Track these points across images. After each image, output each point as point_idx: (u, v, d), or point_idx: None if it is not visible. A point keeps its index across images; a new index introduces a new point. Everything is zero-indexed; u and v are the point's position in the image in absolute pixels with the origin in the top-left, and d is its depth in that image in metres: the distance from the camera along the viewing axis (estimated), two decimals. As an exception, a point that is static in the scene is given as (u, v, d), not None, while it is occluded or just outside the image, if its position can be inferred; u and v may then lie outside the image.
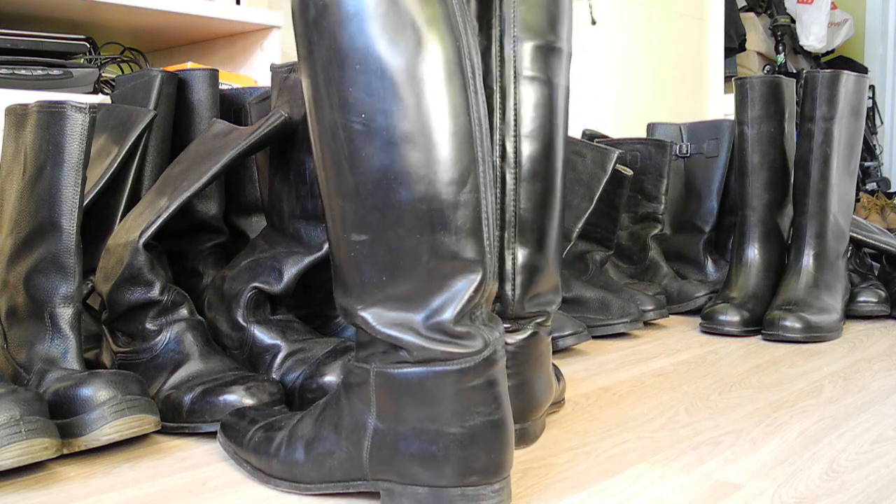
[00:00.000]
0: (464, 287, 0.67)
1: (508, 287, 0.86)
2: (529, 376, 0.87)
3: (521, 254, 0.86)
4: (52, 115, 0.93)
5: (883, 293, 1.64)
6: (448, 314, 0.67)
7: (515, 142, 0.85)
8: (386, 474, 0.69)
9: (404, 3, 0.65)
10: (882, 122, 3.99)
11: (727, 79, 2.95)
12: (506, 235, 0.86)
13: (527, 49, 0.85)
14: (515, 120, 0.85)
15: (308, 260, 1.02)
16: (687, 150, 1.95)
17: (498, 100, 0.85)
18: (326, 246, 0.99)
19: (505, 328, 0.85)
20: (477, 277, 0.68)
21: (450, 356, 0.67)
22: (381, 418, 0.69)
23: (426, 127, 0.65)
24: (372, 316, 0.68)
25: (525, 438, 0.88)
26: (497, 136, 0.85)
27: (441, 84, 0.65)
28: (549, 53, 0.86)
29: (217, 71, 1.29)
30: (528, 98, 0.85)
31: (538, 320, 0.88)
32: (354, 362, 0.71)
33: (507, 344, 0.85)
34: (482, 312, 0.69)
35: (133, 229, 0.99)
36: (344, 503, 0.73)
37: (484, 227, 0.68)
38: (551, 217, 0.87)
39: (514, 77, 0.85)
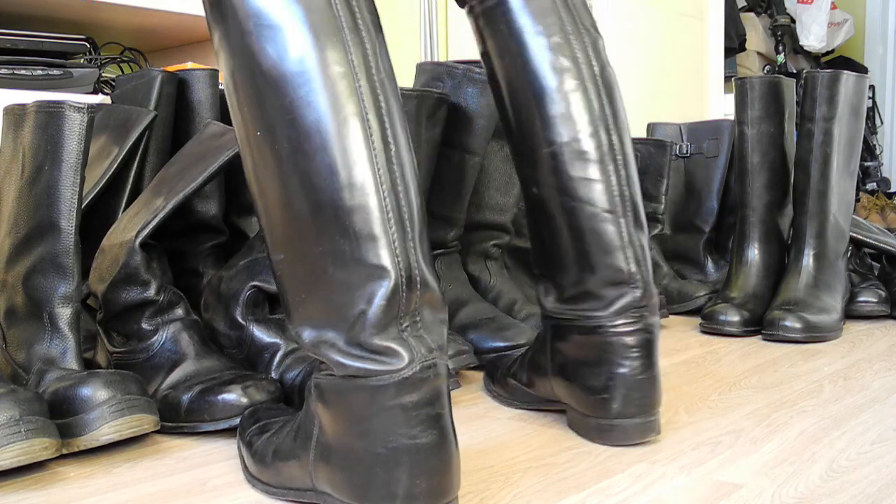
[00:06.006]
0: (374, 294, 0.64)
1: (643, 274, 0.87)
2: (657, 367, 0.88)
3: (642, 241, 0.88)
4: (51, 115, 0.93)
5: (883, 293, 1.63)
6: (365, 326, 0.64)
7: (618, 132, 0.87)
8: (325, 486, 0.68)
9: (278, 13, 0.65)
10: (882, 122, 3.99)
11: (727, 79, 2.95)
12: (629, 223, 0.87)
13: (598, 43, 0.89)
14: (613, 110, 0.88)
15: (308, 260, 1.02)
16: (687, 150, 1.95)
17: (600, 93, 0.87)
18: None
19: (643, 315, 0.87)
20: (387, 283, 0.64)
21: (367, 373, 0.64)
22: (322, 430, 0.68)
23: (311, 133, 0.64)
24: (302, 333, 0.68)
25: (656, 428, 0.88)
26: (603, 130, 0.86)
27: (321, 87, 0.64)
28: (600, 44, 0.90)
29: (217, 71, 1.29)
30: (609, 88, 0.88)
31: (659, 307, 0.91)
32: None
33: (646, 332, 0.87)
34: (416, 324, 0.66)
35: (129, 229, 0.99)
36: None
37: (391, 229, 0.64)
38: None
39: (602, 69, 0.88)
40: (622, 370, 0.86)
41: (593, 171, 0.86)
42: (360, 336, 0.64)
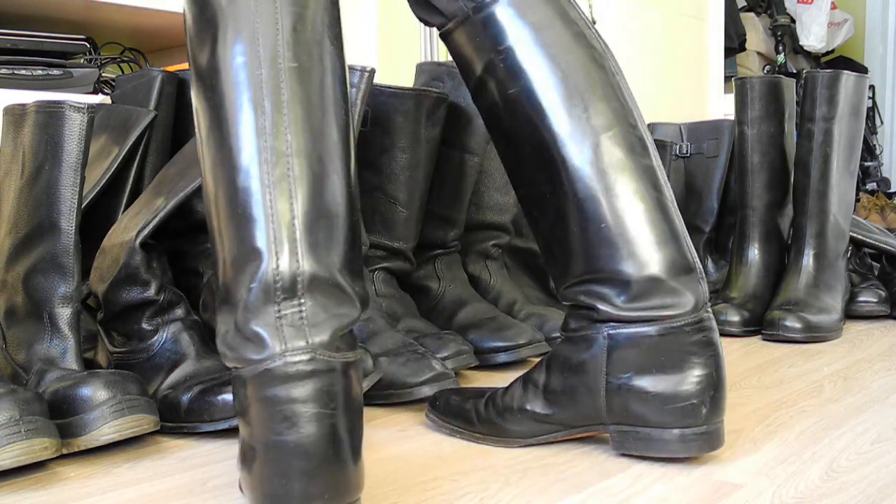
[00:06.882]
0: (254, 277, 0.64)
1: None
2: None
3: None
4: (51, 115, 0.93)
5: (883, 293, 1.63)
6: (244, 310, 0.64)
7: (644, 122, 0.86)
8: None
9: (208, 11, 0.67)
10: (882, 122, 3.99)
11: (727, 79, 2.95)
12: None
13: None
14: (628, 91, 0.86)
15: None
16: (687, 150, 1.95)
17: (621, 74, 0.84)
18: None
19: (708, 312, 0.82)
20: (263, 266, 0.63)
21: (242, 362, 0.64)
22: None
23: (216, 121, 0.66)
24: (218, 326, 0.67)
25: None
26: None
27: (226, 78, 0.66)
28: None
29: (217, 71, 1.28)
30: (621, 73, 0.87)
31: None
32: None
33: (706, 331, 0.81)
34: (298, 314, 0.64)
35: (129, 229, 0.99)
36: None
37: (270, 212, 0.64)
38: None
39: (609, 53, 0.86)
40: (710, 371, 0.80)
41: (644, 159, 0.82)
42: (240, 321, 0.64)
